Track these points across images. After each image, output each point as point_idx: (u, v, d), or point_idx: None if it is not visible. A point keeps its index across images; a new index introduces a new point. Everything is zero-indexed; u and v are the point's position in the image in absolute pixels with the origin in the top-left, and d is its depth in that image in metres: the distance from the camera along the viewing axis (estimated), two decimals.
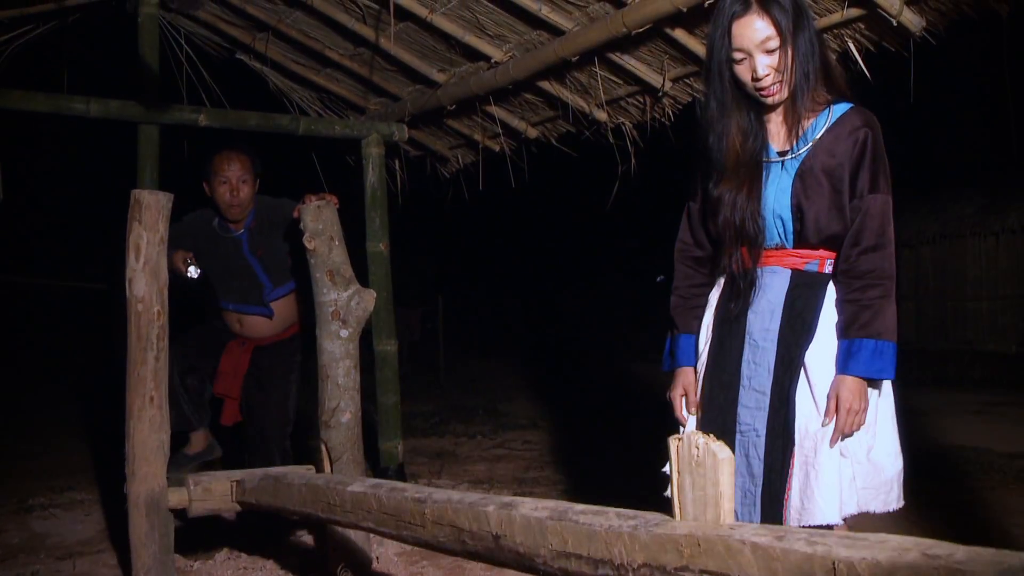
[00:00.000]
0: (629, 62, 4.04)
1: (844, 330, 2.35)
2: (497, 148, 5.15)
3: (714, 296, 2.64)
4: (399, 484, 2.26)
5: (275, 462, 4.05)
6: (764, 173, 2.46)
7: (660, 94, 4.13)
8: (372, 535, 3.49)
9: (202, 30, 5.11)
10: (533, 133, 4.95)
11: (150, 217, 3.11)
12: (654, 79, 4.07)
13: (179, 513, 3.25)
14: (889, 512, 2.43)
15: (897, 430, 2.45)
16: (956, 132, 14.93)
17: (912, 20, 3.18)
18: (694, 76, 4.01)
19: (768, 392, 2.42)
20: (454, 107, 4.76)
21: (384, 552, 3.72)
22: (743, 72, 2.38)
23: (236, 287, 4.30)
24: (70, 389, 10.55)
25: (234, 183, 4.18)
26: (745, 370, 2.47)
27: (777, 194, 2.44)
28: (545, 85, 4.43)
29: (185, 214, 4.31)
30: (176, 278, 4.07)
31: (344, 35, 4.75)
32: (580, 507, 1.65)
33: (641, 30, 3.60)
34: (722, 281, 2.60)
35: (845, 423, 2.30)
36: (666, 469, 2.58)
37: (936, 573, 1.11)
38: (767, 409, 2.41)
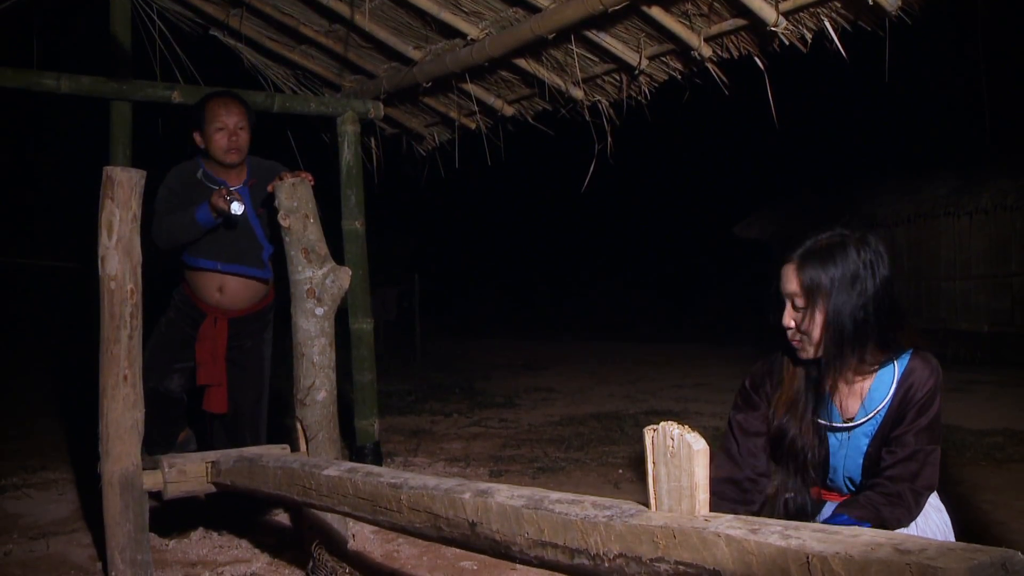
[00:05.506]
0: (605, 40, 4.03)
1: (846, 508, 2.26)
2: (473, 126, 5.14)
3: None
4: (375, 469, 2.26)
5: (246, 443, 4.00)
6: (828, 437, 2.38)
7: (636, 72, 4.12)
8: None
9: (175, 6, 5.05)
10: (509, 111, 4.93)
11: (123, 194, 3.08)
12: (630, 57, 4.07)
13: (154, 494, 3.24)
14: None
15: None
16: (930, 113, 15.03)
17: None
18: (670, 54, 4.01)
19: None
20: (430, 84, 4.73)
21: (360, 530, 3.72)
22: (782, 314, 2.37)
23: (230, 245, 3.99)
24: (45, 369, 10.46)
25: (232, 128, 3.96)
26: None
27: (846, 462, 2.38)
28: (521, 63, 4.41)
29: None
30: (203, 224, 3.88)
31: (319, 11, 4.71)
32: (556, 495, 1.65)
33: (618, 7, 3.59)
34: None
35: None
36: None
37: (908, 569, 1.11)
38: None
